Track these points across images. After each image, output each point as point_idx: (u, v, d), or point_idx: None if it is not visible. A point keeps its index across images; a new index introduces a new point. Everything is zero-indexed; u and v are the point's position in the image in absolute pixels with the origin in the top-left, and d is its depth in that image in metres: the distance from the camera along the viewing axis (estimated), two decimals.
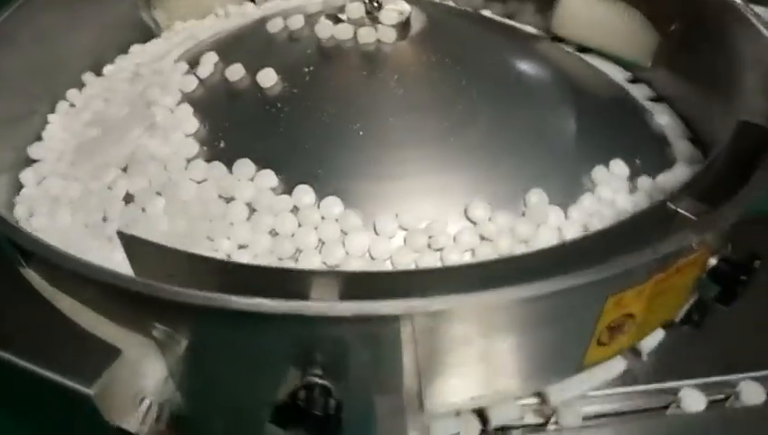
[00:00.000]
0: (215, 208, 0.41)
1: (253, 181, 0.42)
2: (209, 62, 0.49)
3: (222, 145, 0.44)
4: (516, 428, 0.42)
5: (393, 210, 0.40)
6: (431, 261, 0.39)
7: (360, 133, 0.43)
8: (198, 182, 0.42)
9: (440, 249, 0.39)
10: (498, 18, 0.62)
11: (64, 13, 0.53)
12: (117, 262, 0.36)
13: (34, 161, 0.49)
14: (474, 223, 0.40)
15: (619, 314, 0.35)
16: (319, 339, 0.31)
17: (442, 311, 0.30)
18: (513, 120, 0.45)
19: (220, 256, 0.39)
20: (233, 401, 0.37)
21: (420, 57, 0.48)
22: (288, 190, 0.41)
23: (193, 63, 0.50)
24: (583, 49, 0.57)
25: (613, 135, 0.47)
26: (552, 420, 0.42)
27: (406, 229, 0.40)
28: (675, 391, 0.43)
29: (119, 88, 0.53)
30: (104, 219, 0.42)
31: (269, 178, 0.42)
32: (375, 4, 0.49)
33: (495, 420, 0.40)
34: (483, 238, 0.40)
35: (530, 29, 0.61)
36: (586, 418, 0.42)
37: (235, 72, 0.47)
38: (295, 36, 0.50)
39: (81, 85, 0.55)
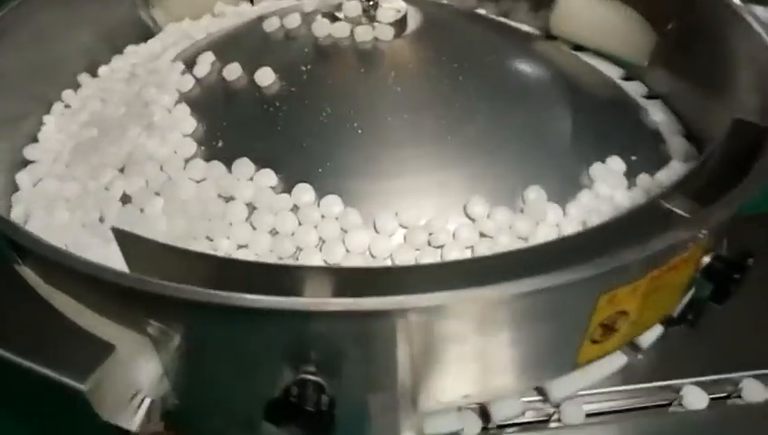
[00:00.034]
0: (214, 208, 0.41)
1: (252, 180, 0.42)
2: (206, 61, 0.49)
3: (220, 144, 0.44)
4: (518, 425, 0.42)
5: (393, 208, 0.40)
6: (431, 258, 0.39)
7: (359, 132, 0.43)
8: (197, 182, 0.42)
9: (440, 246, 0.40)
10: (493, 17, 0.62)
11: (63, 11, 0.53)
12: (115, 261, 0.36)
13: (30, 162, 0.49)
14: (473, 220, 0.40)
15: (612, 312, 0.35)
16: (312, 335, 0.32)
17: (432, 307, 0.30)
18: (511, 117, 0.45)
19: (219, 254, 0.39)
20: (227, 398, 0.37)
21: (417, 55, 0.49)
22: (287, 189, 0.41)
23: (189, 63, 0.50)
24: (577, 47, 0.57)
25: (609, 132, 0.47)
26: (555, 417, 0.42)
27: (406, 227, 0.40)
28: (677, 389, 0.43)
29: (115, 88, 0.53)
30: (101, 220, 0.42)
31: (268, 176, 0.42)
32: (371, 3, 0.49)
33: (497, 416, 0.40)
34: (482, 235, 0.40)
35: (524, 27, 0.61)
36: (588, 415, 0.42)
37: (233, 71, 0.47)
38: (292, 35, 0.50)
39: (76, 86, 0.55)
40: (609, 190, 0.43)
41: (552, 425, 0.42)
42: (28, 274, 0.36)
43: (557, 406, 0.42)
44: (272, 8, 0.59)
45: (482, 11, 0.63)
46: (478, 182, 0.42)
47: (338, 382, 0.32)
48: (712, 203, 0.34)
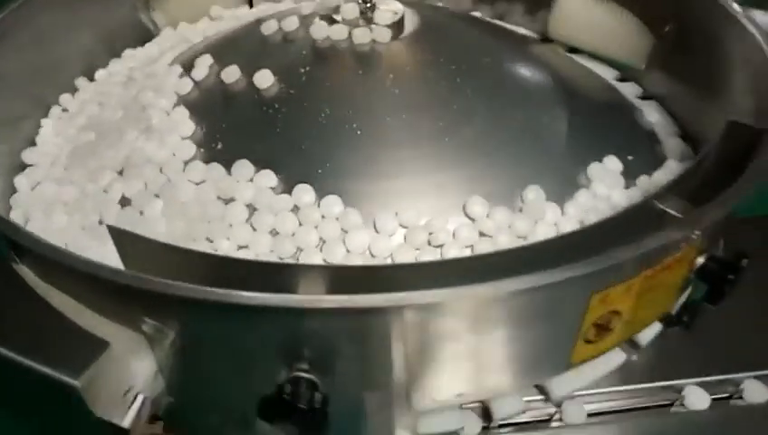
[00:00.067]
0: (213, 210, 0.41)
1: (252, 181, 0.42)
2: (204, 64, 0.49)
3: (219, 147, 0.44)
4: (520, 424, 0.42)
5: (392, 209, 0.40)
6: (432, 257, 0.39)
7: (358, 133, 0.43)
8: (197, 184, 0.42)
9: (440, 246, 0.40)
10: (489, 19, 0.63)
11: (63, 13, 0.53)
12: (111, 260, 0.36)
13: (28, 166, 0.49)
14: (472, 220, 0.41)
15: (605, 311, 0.35)
16: (305, 333, 0.32)
17: (424, 305, 0.30)
18: (508, 118, 0.46)
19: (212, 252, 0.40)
20: (221, 396, 0.37)
21: (415, 57, 0.49)
22: (287, 190, 0.41)
23: (187, 66, 0.50)
24: (572, 50, 0.58)
25: (606, 133, 0.48)
26: (556, 416, 0.42)
27: (406, 227, 0.40)
28: (679, 389, 0.43)
29: (112, 92, 0.53)
30: (100, 222, 0.42)
31: (269, 177, 0.42)
32: (369, 5, 0.49)
33: (498, 413, 0.40)
34: (482, 235, 0.40)
35: (520, 30, 0.61)
36: (590, 415, 0.42)
37: (231, 73, 0.47)
38: (290, 38, 0.50)
39: (75, 89, 0.55)
40: (606, 190, 0.43)
41: (554, 424, 0.42)
42: (27, 273, 0.36)
43: (559, 405, 0.42)
44: (269, 11, 0.59)
45: (477, 14, 0.64)
46: (476, 183, 0.42)
47: (332, 380, 0.32)
48: (705, 204, 0.34)
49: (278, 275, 0.32)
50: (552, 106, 0.47)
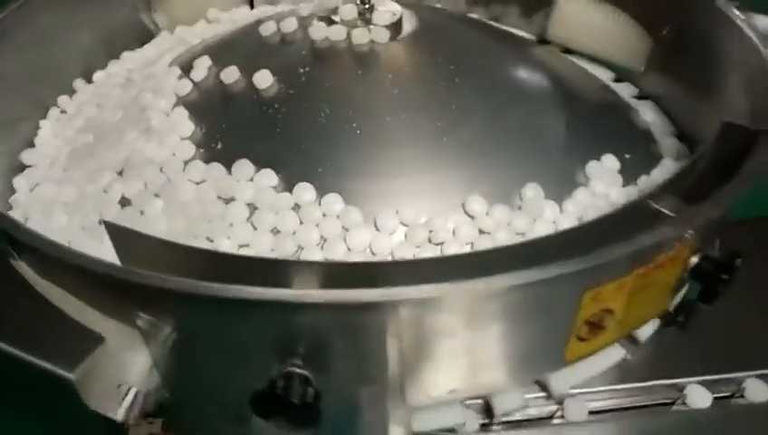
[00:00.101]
0: (214, 209, 0.41)
1: (252, 181, 0.42)
2: (203, 65, 0.49)
3: (219, 147, 0.44)
4: (521, 421, 0.42)
5: (392, 207, 0.41)
6: (432, 255, 0.40)
7: (358, 132, 0.43)
8: (197, 183, 0.43)
9: (440, 243, 0.40)
10: (486, 21, 0.63)
11: (64, 14, 0.53)
12: (108, 256, 0.36)
13: (27, 167, 0.49)
14: (472, 217, 0.41)
15: (597, 309, 0.35)
16: (299, 328, 0.32)
17: (414, 300, 0.30)
18: (506, 118, 0.46)
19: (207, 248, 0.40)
20: (215, 390, 0.37)
21: (413, 57, 0.49)
22: (288, 189, 0.41)
23: (186, 68, 0.50)
24: (567, 51, 0.58)
25: (603, 132, 0.48)
26: (558, 414, 0.42)
27: (406, 225, 0.40)
28: (680, 388, 0.43)
29: (111, 93, 0.53)
30: (100, 222, 0.42)
31: (269, 176, 0.42)
32: (367, 6, 0.49)
33: (499, 408, 0.40)
34: (481, 232, 0.40)
35: (516, 32, 0.61)
36: (591, 413, 0.42)
37: (230, 74, 0.47)
38: (289, 39, 0.50)
39: (72, 91, 0.55)
40: (604, 188, 0.44)
41: (555, 422, 0.42)
42: (25, 269, 0.36)
43: (560, 403, 0.42)
44: (268, 12, 0.59)
45: (474, 15, 0.64)
46: (475, 182, 0.42)
47: (325, 376, 0.32)
48: (699, 203, 0.35)
49: (273, 270, 0.32)
50: (550, 106, 0.48)
